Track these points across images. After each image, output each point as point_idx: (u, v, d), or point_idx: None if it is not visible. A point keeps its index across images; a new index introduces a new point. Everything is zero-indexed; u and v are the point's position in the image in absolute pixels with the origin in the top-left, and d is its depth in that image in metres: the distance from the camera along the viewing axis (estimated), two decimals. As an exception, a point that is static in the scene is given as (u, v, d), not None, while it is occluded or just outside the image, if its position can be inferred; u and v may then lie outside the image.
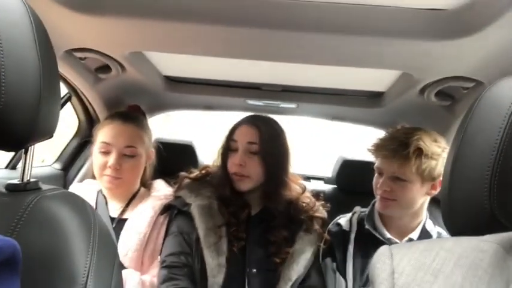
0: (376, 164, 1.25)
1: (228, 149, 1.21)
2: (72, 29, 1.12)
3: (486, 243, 0.42)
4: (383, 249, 0.45)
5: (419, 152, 1.13)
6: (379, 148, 1.22)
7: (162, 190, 1.38)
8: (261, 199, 1.25)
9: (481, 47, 0.99)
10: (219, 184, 1.23)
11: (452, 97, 1.44)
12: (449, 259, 0.41)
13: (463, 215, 0.50)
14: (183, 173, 1.32)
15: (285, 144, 1.25)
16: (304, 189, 1.30)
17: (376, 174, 1.27)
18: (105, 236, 0.61)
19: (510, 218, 0.44)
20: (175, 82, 1.74)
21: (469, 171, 0.49)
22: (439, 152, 1.16)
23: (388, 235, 1.24)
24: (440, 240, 0.45)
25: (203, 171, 1.31)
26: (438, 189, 1.18)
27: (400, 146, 1.16)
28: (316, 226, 1.25)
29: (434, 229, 1.27)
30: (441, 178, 1.17)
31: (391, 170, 1.18)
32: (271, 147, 1.21)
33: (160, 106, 1.96)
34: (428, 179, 1.15)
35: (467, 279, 0.39)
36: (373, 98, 1.71)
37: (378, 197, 1.24)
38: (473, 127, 0.51)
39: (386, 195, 1.19)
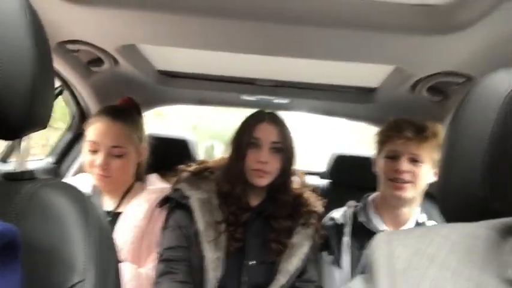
0: (389, 148, 1.27)
1: (247, 145, 1.21)
2: (65, 21, 1.11)
3: (480, 229, 0.43)
4: (381, 236, 0.46)
5: (434, 136, 1.21)
6: (397, 131, 1.25)
7: (156, 184, 1.37)
8: (264, 191, 1.26)
9: (473, 42, 1.00)
10: (230, 179, 1.22)
11: (443, 92, 1.46)
12: (444, 244, 0.42)
13: (458, 203, 0.51)
14: (181, 166, 1.31)
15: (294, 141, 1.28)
16: (304, 183, 1.33)
17: (385, 160, 1.28)
18: (102, 225, 0.61)
19: (503, 205, 0.45)
20: (168, 76, 1.73)
21: (463, 161, 0.50)
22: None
23: (382, 227, 1.26)
24: (436, 227, 0.46)
25: (202, 166, 1.31)
26: (435, 178, 1.23)
27: (419, 129, 1.23)
28: (313, 220, 1.26)
29: (427, 222, 1.30)
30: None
31: (409, 151, 1.22)
32: (291, 145, 1.24)
33: (154, 101, 1.95)
34: (435, 163, 1.22)
35: (461, 263, 0.40)
36: (365, 94, 1.72)
37: (390, 183, 1.24)
38: (466, 119, 0.52)
39: (405, 177, 1.21)
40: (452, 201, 0.52)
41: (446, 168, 0.53)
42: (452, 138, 0.53)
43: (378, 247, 0.44)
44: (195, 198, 1.19)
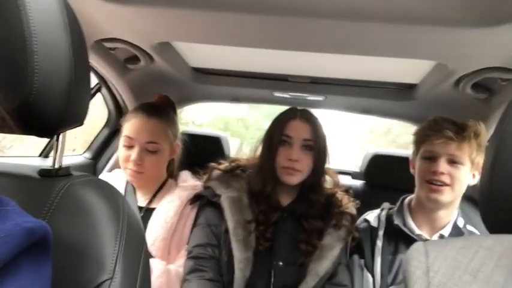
0: (427, 148, 1.21)
1: (278, 142, 1.19)
2: (103, 19, 1.13)
3: None
4: (417, 246, 0.43)
5: (475, 136, 1.15)
6: (435, 130, 1.19)
7: (188, 181, 1.38)
8: (295, 190, 1.24)
9: None
10: (261, 177, 1.21)
11: (489, 89, 1.38)
12: (489, 258, 0.38)
13: (504, 211, 0.47)
14: (213, 164, 1.32)
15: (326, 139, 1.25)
16: (338, 183, 1.30)
17: (422, 161, 1.22)
18: (133, 223, 0.61)
19: None
20: (202, 73, 1.74)
21: None
22: (486, 140, 1.16)
23: (418, 231, 1.21)
24: (479, 238, 0.43)
25: (233, 164, 1.31)
26: (475, 180, 1.18)
27: (459, 129, 1.16)
28: (345, 222, 1.23)
29: (465, 227, 1.23)
30: (478, 169, 1.17)
31: (448, 152, 1.16)
32: (324, 143, 1.22)
33: (188, 98, 1.97)
34: (475, 165, 1.16)
35: (509, 281, 0.36)
36: (405, 90, 1.65)
37: (426, 185, 1.19)
38: None
39: (443, 179, 1.15)
40: (498, 209, 0.48)
41: (492, 172, 0.49)
42: (501, 139, 0.49)
43: (414, 258, 0.41)
44: (225, 196, 1.19)
